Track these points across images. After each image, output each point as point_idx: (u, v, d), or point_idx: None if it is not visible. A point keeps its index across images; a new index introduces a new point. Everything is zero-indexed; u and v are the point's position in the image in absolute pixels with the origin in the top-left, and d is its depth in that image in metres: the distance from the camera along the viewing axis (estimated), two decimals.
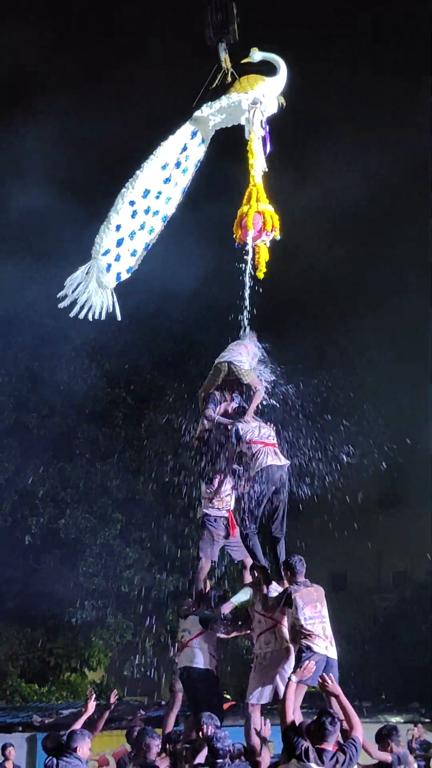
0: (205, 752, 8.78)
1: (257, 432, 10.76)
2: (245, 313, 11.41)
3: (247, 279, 11.46)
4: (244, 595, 10.42)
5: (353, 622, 30.72)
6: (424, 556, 34.21)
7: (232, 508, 11.22)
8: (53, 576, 27.39)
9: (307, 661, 8.94)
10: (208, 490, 11.29)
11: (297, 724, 8.77)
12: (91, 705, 10.07)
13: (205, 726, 9.14)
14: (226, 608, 10.41)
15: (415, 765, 10.86)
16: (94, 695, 10.43)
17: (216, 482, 11.21)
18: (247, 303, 11.41)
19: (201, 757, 8.83)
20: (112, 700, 10.95)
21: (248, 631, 10.44)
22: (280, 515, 10.58)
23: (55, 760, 9.12)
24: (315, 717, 8.21)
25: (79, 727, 9.59)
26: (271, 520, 10.59)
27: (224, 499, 11.21)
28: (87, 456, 25.30)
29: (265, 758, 9.38)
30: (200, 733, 9.22)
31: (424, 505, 36.90)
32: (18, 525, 24.68)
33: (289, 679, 8.72)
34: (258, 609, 10.15)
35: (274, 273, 11.43)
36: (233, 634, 10.89)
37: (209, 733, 8.77)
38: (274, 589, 10.12)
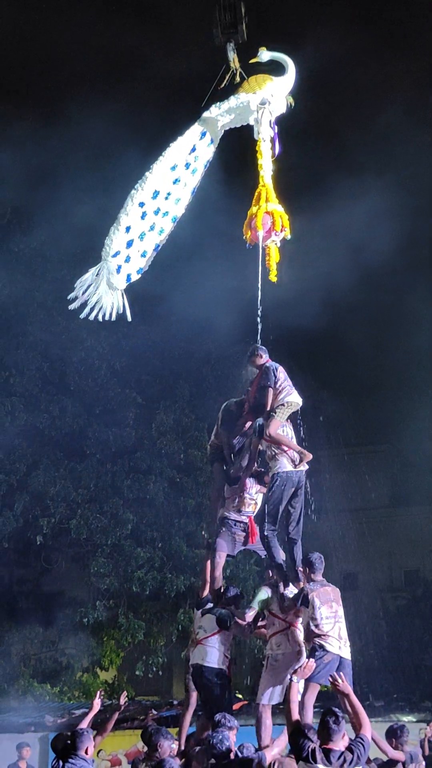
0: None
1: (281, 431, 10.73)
2: (259, 313, 11.38)
3: (259, 281, 11.45)
4: (263, 595, 10.43)
5: (365, 621, 30.71)
6: None
7: (253, 514, 11.16)
8: (65, 576, 27.49)
9: (307, 660, 8.94)
10: (232, 493, 11.25)
11: (304, 724, 8.79)
12: (97, 703, 10.10)
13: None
14: (250, 616, 10.41)
15: (424, 764, 10.85)
16: (102, 694, 10.41)
17: (243, 484, 11.16)
18: (259, 304, 11.39)
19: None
20: (122, 701, 10.93)
21: (264, 631, 10.45)
22: (297, 517, 10.61)
23: (61, 763, 9.14)
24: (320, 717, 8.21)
25: (84, 726, 9.62)
26: (288, 522, 10.62)
27: (247, 502, 11.16)
28: (98, 456, 25.33)
29: (277, 747, 9.38)
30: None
31: None
32: (29, 525, 24.71)
33: (291, 679, 8.72)
34: (273, 610, 10.17)
35: None
36: (250, 634, 10.90)
37: (209, 740, 8.74)
38: (291, 590, 10.13)
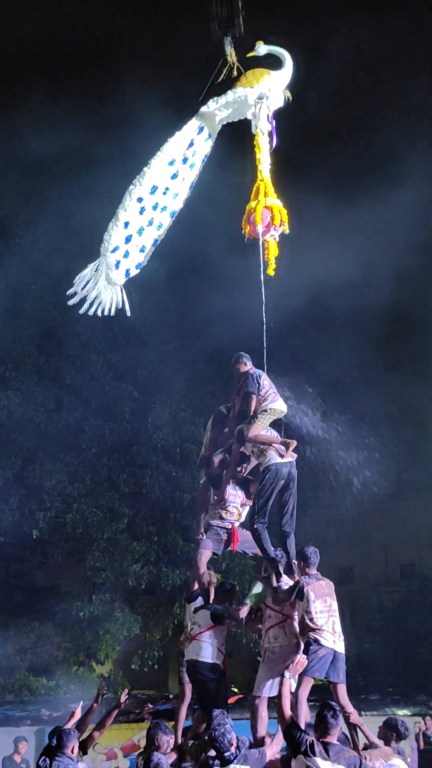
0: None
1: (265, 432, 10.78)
2: (263, 308, 11.39)
3: (262, 276, 11.46)
4: (257, 590, 10.48)
5: (360, 615, 30.83)
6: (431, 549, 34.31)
7: (238, 521, 11.17)
8: (61, 570, 27.50)
9: (299, 657, 8.97)
10: (216, 498, 11.25)
11: (300, 718, 8.84)
12: (78, 712, 10.14)
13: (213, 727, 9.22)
14: (244, 612, 10.47)
15: (410, 759, 10.89)
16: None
17: (225, 492, 11.16)
18: (263, 298, 11.40)
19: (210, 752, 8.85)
20: (123, 699, 10.94)
21: (259, 626, 10.46)
22: (290, 509, 10.63)
23: (48, 761, 9.21)
24: (318, 710, 8.24)
25: (71, 724, 9.70)
26: (282, 515, 10.65)
27: (230, 510, 11.16)
28: (94, 450, 25.34)
29: (276, 745, 9.41)
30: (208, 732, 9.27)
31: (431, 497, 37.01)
32: (25, 519, 24.71)
33: (283, 675, 8.74)
34: (268, 603, 10.18)
35: None
36: (244, 628, 10.93)
37: (212, 733, 8.77)
38: (285, 583, 10.15)
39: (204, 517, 11.22)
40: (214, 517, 11.14)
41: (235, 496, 11.16)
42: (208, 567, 11.09)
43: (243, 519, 11.18)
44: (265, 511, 10.56)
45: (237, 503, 11.14)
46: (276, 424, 11.03)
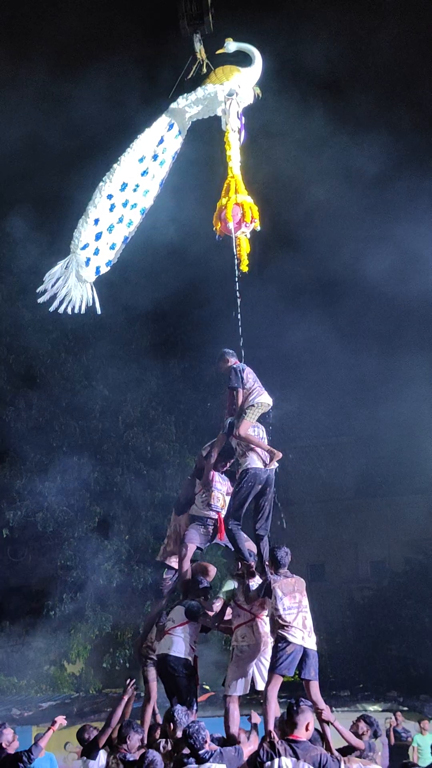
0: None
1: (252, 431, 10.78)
2: (238, 303, 11.39)
3: (236, 272, 11.45)
4: (229, 586, 10.50)
5: (331, 611, 30.89)
6: (402, 546, 34.44)
7: (223, 510, 11.16)
8: (31, 569, 27.37)
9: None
10: (201, 487, 11.25)
11: (270, 715, 8.90)
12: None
13: (178, 724, 9.22)
14: (217, 606, 10.48)
15: (380, 753, 10.94)
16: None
17: (212, 479, 11.17)
18: (237, 294, 11.40)
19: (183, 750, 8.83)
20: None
21: (228, 625, 10.48)
22: (266, 514, 10.65)
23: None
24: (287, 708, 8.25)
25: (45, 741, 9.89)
26: (257, 518, 10.68)
27: (215, 496, 11.14)
28: (64, 449, 25.26)
29: (253, 744, 9.41)
30: (174, 730, 9.27)
31: (402, 494, 37.22)
32: None
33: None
34: (239, 601, 10.20)
35: None
36: (218, 625, 10.91)
37: (186, 731, 8.75)
38: (257, 582, 10.17)
39: (192, 507, 11.29)
40: (200, 506, 11.16)
41: (221, 483, 11.18)
42: (192, 561, 11.14)
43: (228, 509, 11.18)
44: (239, 514, 10.59)
45: (223, 491, 11.16)
46: (265, 423, 11.03)
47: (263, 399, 10.83)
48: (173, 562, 11.30)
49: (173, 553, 11.33)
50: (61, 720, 10.64)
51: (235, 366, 11.01)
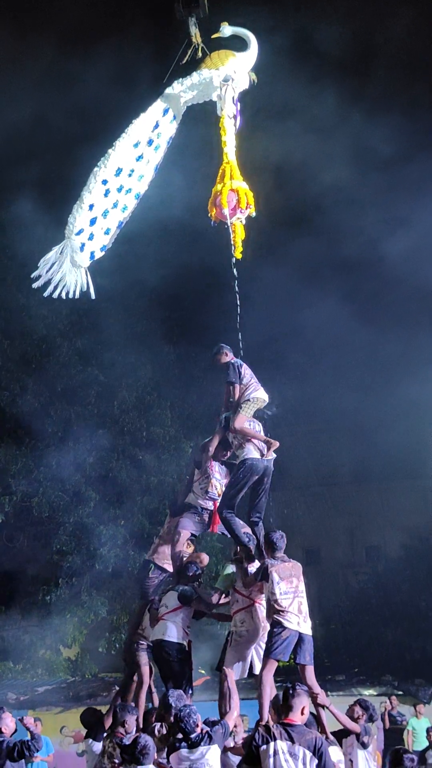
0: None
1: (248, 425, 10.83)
2: (236, 287, 11.37)
3: (233, 260, 11.43)
4: (228, 570, 10.58)
5: (327, 596, 31.00)
6: (397, 531, 34.54)
7: (219, 499, 11.20)
8: (27, 554, 27.39)
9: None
10: (200, 476, 11.30)
11: (264, 700, 8.93)
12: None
13: (173, 708, 9.27)
14: (215, 597, 10.57)
15: (375, 736, 11.04)
16: None
17: (211, 468, 11.22)
18: (236, 282, 11.39)
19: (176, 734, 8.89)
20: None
21: (226, 613, 10.55)
22: (261, 504, 10.79)
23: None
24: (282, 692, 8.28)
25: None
26: (252, 505, 10.81)
27: (213, 484, 11.20)
28: (60, 434, 25.25)
29: (234, 715, 9.49)
30: (169, 715, 9.33)
31: (397, 480, 37.30)
32: None
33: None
34: (237, 587, 10.28)
35: None
36: (213, 612, 10.98)
37: (177, 714, 8.80)
38: (255, 567, 10.24)
39: (189, 496, 11.36)
40: (198, 494, 11.22)
41: (220, 473, 11.25)
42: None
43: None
44: (233, 504, 10.69)
45: (222, 480, 11.21)
46: (260, 418, 11.08)
47: (259, 394, 10.91)
48: (162, 561, 11.37)
49: (163, 553, 11.39)
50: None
51: (232, 361, 11.08)
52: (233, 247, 11.45)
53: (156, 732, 9.34)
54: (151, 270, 23.10)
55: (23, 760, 9.64)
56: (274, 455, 10.73)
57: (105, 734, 9.84)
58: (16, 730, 10.15)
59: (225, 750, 9.15)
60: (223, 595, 10.63)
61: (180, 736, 8.57)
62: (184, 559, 10.96)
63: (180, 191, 14.36)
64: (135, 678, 11.39)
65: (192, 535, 11.28)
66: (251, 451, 10.61)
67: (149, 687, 11.29)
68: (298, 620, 9.56)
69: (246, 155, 11.74)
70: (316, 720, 9.29)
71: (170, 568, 11.26)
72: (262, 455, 10.63)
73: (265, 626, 9.84)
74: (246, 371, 10.99)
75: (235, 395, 10.87)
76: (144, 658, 11.07)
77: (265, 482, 10.71)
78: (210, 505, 11.19)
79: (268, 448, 10.66)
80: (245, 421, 10.73)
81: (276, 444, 10.68)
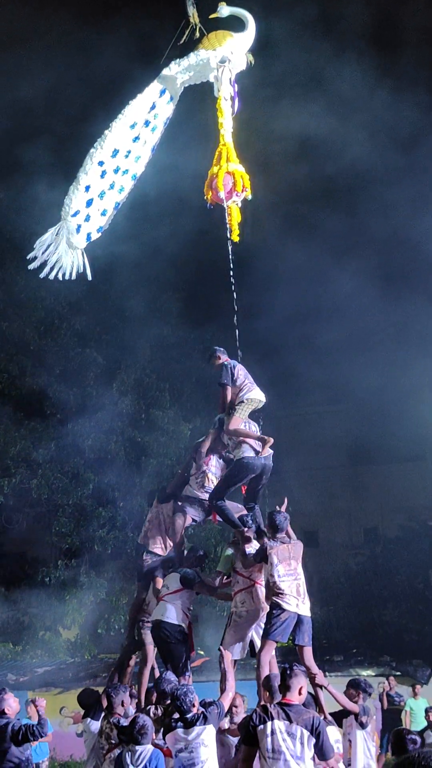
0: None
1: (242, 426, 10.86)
2: (231, 273, 11.36)
3: (229, 245, 11.41)
4: (228, 552, 10.63)
5: (325, 578, 31.06)
6: (395, 513, 34.59)
7: None
8: (26, 536, 27.47)
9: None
10: (197, 470, 11.34)
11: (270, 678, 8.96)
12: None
13: (164, 691, 9.33)
14: (217, 581, 10.61)
15: (374, 717, 11.08)
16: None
17: (208, 462, 11.25)
18: (231, 265, 11.37)
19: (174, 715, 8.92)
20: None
21: (227, 593, 10.59)
22: (257, 495, 10.99)
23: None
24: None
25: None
26: (249, 496, 11.00)
27: (210, 478, 11.24)
28: (58, 416, 25.28)
29: (229, 695, 9.52)
30: (164, 696, 9.37)
31: (395, 461, 37.31)
32: None
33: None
34: (237, 568, 10.32)
35: None
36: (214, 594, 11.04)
37: (174, 693, 8.83)
38: (254, 547, 10.28)
39: (185, 488, 11.41)
40: (194, 487, 11.28)
41: (216, 467, 11.28)
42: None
43: None
44: (223, 495, 10.81)
45: (217, 473, 11.24)
46: (254, 417, 11.08)
47: (254, 395, 10.91)
48: (153, 546, 11.40)
49: (153, 537, 11.43)
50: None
51: (225, 363, 11.08)
52: (229, 230, 11.41)
53: (151, 714, 9.36)
54: (151, 252, 23.08)
55: (27, 744, 9.62)
56: (271, 451, 10.75)
57: (102, 714, 9.86)
58: (19, 710, 10.16)
59: (222, 731, 9.20)
60: (225, 577, 10.67)
61: (176, 715, 8.61)
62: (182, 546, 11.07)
63: (183, 172, 14.35)
64: (134, 657, 11.45)
65: (193, 519, 11.35)
66: (247, 450, 10.66)
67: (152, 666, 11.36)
68: (297, 602, 9.59)
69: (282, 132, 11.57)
70: (315, 700, 9.32)
71: (161, 552, 11.32)
72: (258, 453, 10.66)
73: (266, 607, 9.87)
74: (240, 372, 10.97)
75: (227, 397, 10.87)
76: (149, 637, 11.11)
77: (263, 478, 10.83)
78: (206, 497, 11.24)
79: (263, 446, 10.69)
80: (240, 423, 10.75)
81: (270, 440, 10.70)
